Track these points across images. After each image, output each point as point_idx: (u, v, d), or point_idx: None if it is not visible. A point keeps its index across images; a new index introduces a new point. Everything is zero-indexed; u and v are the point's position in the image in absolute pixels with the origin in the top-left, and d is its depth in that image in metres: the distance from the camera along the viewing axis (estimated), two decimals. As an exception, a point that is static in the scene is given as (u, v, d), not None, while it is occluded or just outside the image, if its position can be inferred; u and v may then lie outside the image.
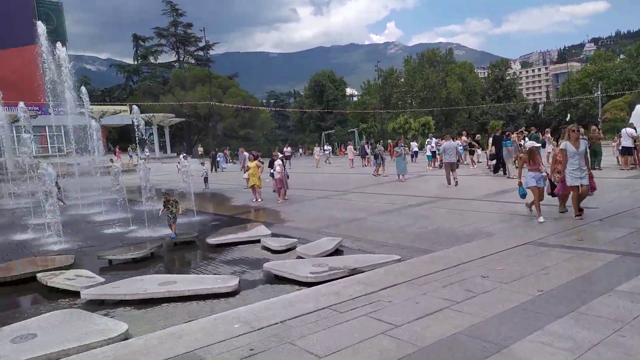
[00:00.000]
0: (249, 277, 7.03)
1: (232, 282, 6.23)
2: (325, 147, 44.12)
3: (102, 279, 6.89)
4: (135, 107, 17.75)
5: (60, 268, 7.61)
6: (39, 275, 7.10)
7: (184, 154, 37.42)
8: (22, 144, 14.05)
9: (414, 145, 33.92)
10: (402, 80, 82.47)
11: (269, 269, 6.92)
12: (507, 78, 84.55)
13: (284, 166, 15.98)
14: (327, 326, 4.14)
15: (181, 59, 78.33)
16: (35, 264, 7.95)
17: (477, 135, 28.06)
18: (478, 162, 24.67)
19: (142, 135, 17.65)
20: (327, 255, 7.74)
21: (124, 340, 4.52)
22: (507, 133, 18.54)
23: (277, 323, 4.25)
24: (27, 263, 8.07)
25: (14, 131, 37.03)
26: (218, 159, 34.65)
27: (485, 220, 9.47)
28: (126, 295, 6.06)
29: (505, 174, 17.31)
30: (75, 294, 6.35)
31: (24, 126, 16.50)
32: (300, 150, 64.92)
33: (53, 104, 24.53)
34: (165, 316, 5.53)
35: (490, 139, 20.30)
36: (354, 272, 6.44)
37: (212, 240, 9.34)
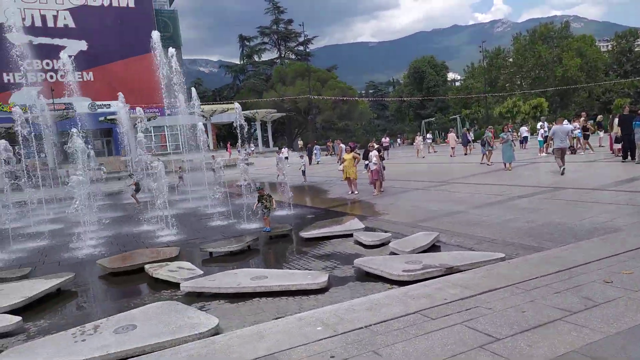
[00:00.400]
0: (339, 273, 6.85)
1: (321, 279, 6.09)
2: (428, 136, 42.29)
3: (200, 272, 7.17)
4: (236, 105, 18.56)
5: (167, 260, 8.10)
6: (146, 266, 7.61)
7: (285, 148, 38.60)
8: (138, 143, 15.42)
9: (524, 130, 31.29)
10: (511, 60, 76.62)
11: (360, 265, 6.66)
12: (637, 49, 74.49)
13: (381, 157, 15.60)
14: (416, 334, 3.77)
15: (282, 55, 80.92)
16: (145, 255, 8.57)
17: (599, 116, 25.02)
18: (600, 145, 22.01)
19: (244, 133, 18.44)
20: (422, 252, 7.29)
21: (213, 335, 4.60)
22: (638, 112, 16.04)
23: (361, 328, 3.98)
24: (138, 254, 8.73)
25: (139, 132, 41.29)
26: (315, 151, 35.22)
27: (608, 214, 8.26)
28: (220, 288, 6.22)
29: (634, 159, 15.13)
30: (177, 286, 6.66)
31: (140, 127, 18.05)
32: (399, 140, 63.57)
33: (169, 105, 26.71)
34: (255, 311, 5.55)
35: (616, 120, 17.87)
36: (450, 271, 5.94)
37: (305, 233, 9.34)
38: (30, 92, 37.33)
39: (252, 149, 50.34)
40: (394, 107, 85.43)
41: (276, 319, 5.09)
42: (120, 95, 31.11)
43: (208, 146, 50.80)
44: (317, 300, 5.69)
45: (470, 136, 31.32)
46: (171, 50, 21.55)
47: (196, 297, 6.26)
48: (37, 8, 52.28)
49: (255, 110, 54.25)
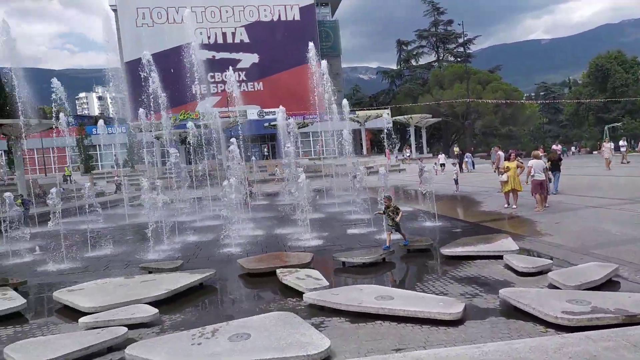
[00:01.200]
0: (479, 303, 5.84)
1: (455, 309, 5.22)
2: (621, 143, 35.32)
3: (326, 283, 6.85)
4: (385, 113, 18.22)
5: (299, 266, 8.00)
6: (277, 270, 7.60)
7: (441, 154, 36.95)
8: (286, 152, 16.21)
9: None
10: None
11: (506, 297, 5.58)
12: None
13: (548, 168, 13.60)
14: (568, 412, 2.78)
15: (440, 58, 78.07)
16: (279, 258, 8.63)
17: None
18: None
19: (394, 139, 18.02)
20: (592, 288, 5.84)
21: (322, 359, 4.22)
22: None
23: (491, 388, 3.12)
24: (273, 257, 8.84)
25: (299, 137, 43.94)
26: (466, 159, 32.89)
27: None
28: (341, 305, 5.79)
29: None
30: (302, 294, 6.46)
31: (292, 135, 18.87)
32: (574, 148, 56.06)
33: (324, 112, 27.77)
34: (373, 337, 4.97)
35: None
36: (630, 320, 4.58)
37: (446, 250, 8.39)
38: (207, 102, 42.48)
39: (408, 154, 49.36)
40: (569, 111, 75.76)
41: (395, 350, 4.49)
42: (281, 104, 33.43)
43: (361, 150, 51.62)
44: (447, 334, 4.87)
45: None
46: (324, 61, 22.32)
47: (318, 310, 5.94)
48: (219, 27, 59.54)
49: (409, 115, 53.18)
